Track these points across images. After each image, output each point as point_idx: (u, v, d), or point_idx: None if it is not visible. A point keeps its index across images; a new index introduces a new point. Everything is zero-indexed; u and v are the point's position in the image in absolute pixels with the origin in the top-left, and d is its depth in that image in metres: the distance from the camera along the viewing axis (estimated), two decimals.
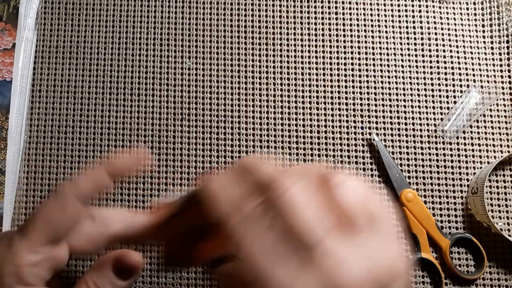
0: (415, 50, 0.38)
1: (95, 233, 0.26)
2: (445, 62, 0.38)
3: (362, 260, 0.20)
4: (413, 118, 0.37)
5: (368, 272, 0.19)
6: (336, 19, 0.38)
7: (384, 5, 0.39)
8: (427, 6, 0.39)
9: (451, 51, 0.38)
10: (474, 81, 0.37)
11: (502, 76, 0.38)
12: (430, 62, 0.38)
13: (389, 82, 0.37)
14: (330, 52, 0.38)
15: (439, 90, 0.37)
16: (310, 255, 0.20)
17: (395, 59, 0.38)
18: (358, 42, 0.38)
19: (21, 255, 0.24)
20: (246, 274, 0.21)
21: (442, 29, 0.38)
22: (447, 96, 0.37)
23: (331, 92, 0.37)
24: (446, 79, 0.37)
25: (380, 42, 0.38)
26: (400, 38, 0.38)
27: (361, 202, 0.21)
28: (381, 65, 0.38)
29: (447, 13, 0.39)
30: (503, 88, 0.37)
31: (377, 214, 0.21)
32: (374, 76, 0.37)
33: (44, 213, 0.24)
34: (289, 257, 0.20)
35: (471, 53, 0.38)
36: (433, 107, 0.37)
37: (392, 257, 0.21)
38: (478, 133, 0.37)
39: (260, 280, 0.20)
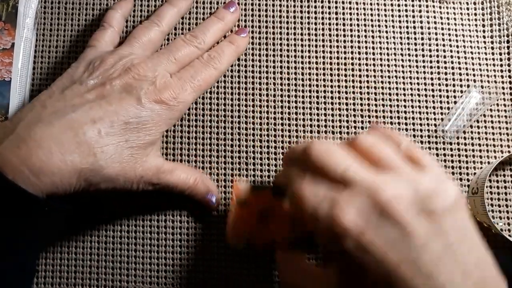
0: (415, 50, 0.38)
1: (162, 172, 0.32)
2: (445, 62, 0.38)
3: (408, 184, 0.23)
4: (413, 118, 0.37)
5: (414, 190, 0.23)
6: (336, 19, 0.38)
7: (384, 5, 0.39)
8: (427, 6, 0.39)
9: (451, 51, 0.38)
10: (474, 81, 0.37)
11: (502, 76, 0.38)
12: (430, 62, 0.38)
13: (389, 82, 0.37)
14: (330, 52, 0.38)
15: (439, 90, 0.37)
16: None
17: (395, 59, 0.38)
18: (358, 42, 0.38)
19: None
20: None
21: (442, 29, 0.38)
22: (447, 96, 0.37)
23: (331, 92, 0.37)
24: (446, 79, 0.37)
25: (380, 42, 0.38)
26: (400, 38, 0.38)
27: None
28: (381, 65, 0.38)
29: (447, 13, 0.39)
30: (503, 88, 0.37)
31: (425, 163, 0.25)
32: (374, 76, 0.37)
33: None
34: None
35: (471, 53, 0.38)
36: (433, 107, 0.37)
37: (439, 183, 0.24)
38: (478, 133, 0.37)
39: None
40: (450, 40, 0.38)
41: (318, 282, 0.26)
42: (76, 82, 0.31)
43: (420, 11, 0.38)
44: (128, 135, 0.30)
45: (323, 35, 0.38)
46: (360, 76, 0.38)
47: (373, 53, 0.38)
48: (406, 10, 0.38)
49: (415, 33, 0.38)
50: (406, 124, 0.37)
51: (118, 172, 0.30)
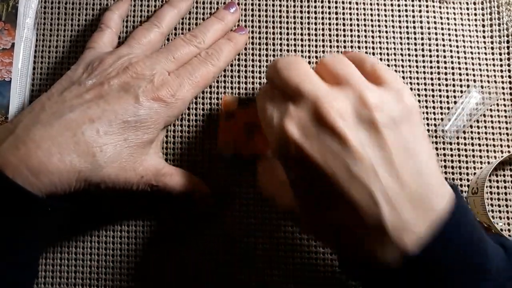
0: (415, 50, 0.38)
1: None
2: (445, 62, 0.38)
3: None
4: None
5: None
6: (336, 19, 0.38)
7: (384, 5, 0.39)
8: (427, 6, 0.39)
9: (451, 51, 0.38)
10: (474, 81, 0.37)
11: (502, 76, 0.38)
12: (430, 62, 0.38)
13: None
14: (330, 52, 0.38)
15: (439, 90, 0.37)
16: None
17: (395, 59, 0.38)
18: (358, 42, 0.38)
19: None
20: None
21: (442, 29, 0.38)
22: (447, 96, 0.37)
23: None
24: (446, 79, 0.37)
25: (380, 42, 0.38)
26: (400, 38, 0.38)
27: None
28: None
29: (447, 13, 0.39)
30: (503, 88, 0.37)
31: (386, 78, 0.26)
32: None
33: None
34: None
35: (471, 53, 0.38)
36: (433, 107, 0.37)
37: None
38: (478, 133, 0.37)
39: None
40: (450, 40, 0.38)
41: (288, 190, 0.27)
42: (75, 83, 0.31)
43: (420, 11, 0.38)
44: (126, 134, 0.30)
45: (323, 35, 0.38)
46: None
47: (373, 53, 0.38)
48: (406, 10, 0.38)
49: (415, 33, 0.38)
50: None
51: (118, 172, 0.30)
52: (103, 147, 0.29)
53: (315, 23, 0.38)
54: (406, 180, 0.23)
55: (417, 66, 0.38)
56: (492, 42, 0.38)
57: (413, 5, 0.39)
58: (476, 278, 0.23)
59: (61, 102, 0.30)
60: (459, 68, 0.38)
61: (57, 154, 0.28)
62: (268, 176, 0.31)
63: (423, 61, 0.38)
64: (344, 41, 0.38)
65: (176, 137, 0.37)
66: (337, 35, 0.38)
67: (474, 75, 0.38)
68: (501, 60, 0.38)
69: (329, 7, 0.39)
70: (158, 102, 0.31)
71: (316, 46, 0.38)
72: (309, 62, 0.38)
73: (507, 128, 0.37)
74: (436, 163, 0.25)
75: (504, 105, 0.37)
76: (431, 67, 0.38)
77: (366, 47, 0.38)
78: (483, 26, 0.38)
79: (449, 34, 0.38)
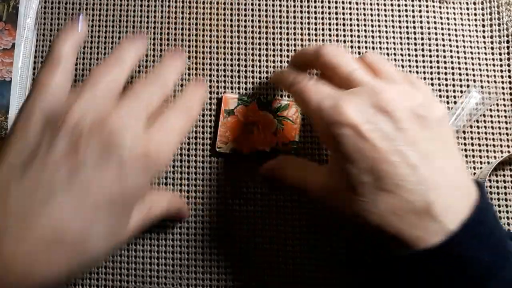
0: (415, 50, 0.38)
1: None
2: (445, 62, 0.38)
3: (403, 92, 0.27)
4: None
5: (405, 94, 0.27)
6: (336, 19, 0.38)
7: (384, 5, 0.39)
8: (427, 6, 0.39)
9: (451, 51, 0.38)
10: (474, 81, 0.37)
11: (502, 76, 0.38)
12: (430, 62, 0.38)
13: None
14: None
15: (439, 90, 0.37)
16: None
17: (395, 59, 0.38)
18: (358, 42, 0.38)
19: None
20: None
21: (442, 29, 0.38)
22: (447, 96, 0.37)
23: None
24: (446, 79, 0.37)
25: (380, 42, 0.38)
26: (400, 38, 0.38)
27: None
28: None
29: (447, 13, 0.39)
30: (503, 88, 0.37)
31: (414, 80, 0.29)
32: None
33: None
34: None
35: (471, 53, 0.38)
36: None
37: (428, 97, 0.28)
38: (478, 133, 0.37)
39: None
40: (450, 40, 0.38)
41: (316, 172, 0.30)
42: (37, 154, 0.24)
43: (420, 11, 0.38)
44: (115, 216, 0.25)
45: (323, 35, 0.38)
46: None
47: None
48: (406, 10, 0.38)
49: (415, 33, 0.38)
50: None
51: (108, 247, 0.26)
52: (90, 238, 0.24)
53: (315, 23, 0.38)
54: (448, 173, 0.26)
55: (417, 66, 0.38)
56: (492, 42, 0.38)
57: (413, 5, 0.39)
58: (499, 262, 0.24)
59: (28, 191, 0.24)
60: (459, 68, 0.38)
61: (39, 266, 0.23)
62: (294, 164, 0.32)
63: (423, 61, 0.38)
64: (344, 41, 0.38)
65: None
66: (337, 35, 0.38)
67: (474, 75, 0.37)
68: (501, 60, 0.38)
69: (329, 7, 0.39)
70: (144, 160, 0.25)
71: None
72: None
73: (507, 128, 0.37)
74: (463, 163, 0.29)
75: (504, 105, 0.37)
76: (431, 67, 0.38)
77: (366, 47, 0.38)
78: (483, 26, 0.38)
79: (449, 34, 0.38)
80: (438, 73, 0.38)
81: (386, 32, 0.38)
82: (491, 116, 0.37)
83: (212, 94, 0.37)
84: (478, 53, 0.38)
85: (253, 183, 0.36)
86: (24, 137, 0.25)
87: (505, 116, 0.37)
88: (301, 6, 0.39)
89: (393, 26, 0.38)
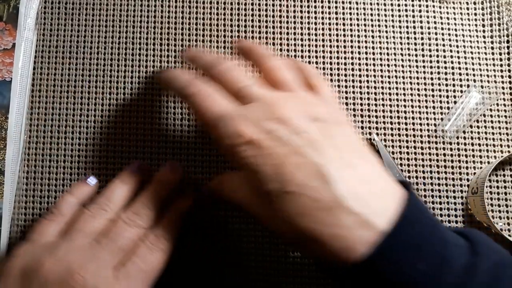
0: (415, 50, 0.38)
1: None
2: (445, 62, 0.38)
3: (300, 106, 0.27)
4: (413, 118, 0.37)
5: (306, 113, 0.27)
6: (336, 19, 0.38)
7: (384, 5, 0.39)
8: (427, 6, 0.39)
9: (451, 51, 0.38)
10: (474, 81, 0.37)
11: (502, 76, 0.38)
12: (430, 62, 0.38)
13: (389, 82, 0.37)
14: (330, 52, 0.38)
15: (439, 90, 0.37)
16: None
17: (395, 59, 0.38)
18: (358, 42, 0.38)
19: None
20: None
21: (442, 29, 0.38)
22: (447, 96, 0.37)
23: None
24: (446, 79, 0.37)
25: (380, 42, 0.38)
26: (400, 38, 0.38)
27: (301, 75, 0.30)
28: (381, 65, 0.38)
29: (447, 13, 0.39)
30: (503, 88, 0.37)
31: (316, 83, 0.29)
32: (374, 76, 0.37)
33: None
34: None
35: (471, 53, 0.38)
36: (433, 107, 0.37)
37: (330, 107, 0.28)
38: (478, 133, 0.37)
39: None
40: (450, 40, 0.38)
41: (240, 186, 0.29)
42: None
43: (420, 11, 0.38)
44: None
45: (323, 35, 0.38)
46: (360, 76, 0.38)
47: (373, 53, 0.38)
48: (406, 10, 0.38)
49: (415, 33, 0.38)
50: (406, 124, 0.37)
51: None
52: None
53: (315, 23, 0.38)
54: (360, 172, 0.25)
55: (417, 66, 0.38)
56: (492, 42, 0.38)
57: (413, 5, 0.39)
58: (436, 269, 0.23)
59: None
60: (459, 68, 0.38)
61: None
62: (228, 181, 0.31)
63: (423, 61, 0.38)
64: (344, 41, 0.38)
65: (176, 137, 0.37)
66: (337, 35, 0.38)
67: (474, 75, 0.37)
68: (501, 60, 0.38)
69: (329, 7, 0.39)
70: None
71: (316, 46, 0.38)
72: (309, 62, 0.38)
73: (507, 128, 0.37)
74: (381, 167, 0.27)
75: (504, 105, 0.37)
76: (431, 67, 0.38)
77: (366, 47, 0.38)
78: (483, 26, 0.38)
79: (449, 34, 0.38)
80: (438, 73, 0.38)
81: (386, 32, 0.38)
82: (491, 116, 0.37)
83: None
84: (478, 53, 0.38)
85: None
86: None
87: (505, 116, 0.37)
88: (301, 6, 0.39)
89: (393, 26, 0.38)
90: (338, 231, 0.23)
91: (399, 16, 0.38)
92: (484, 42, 0.38)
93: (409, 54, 0.38)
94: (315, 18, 0.38)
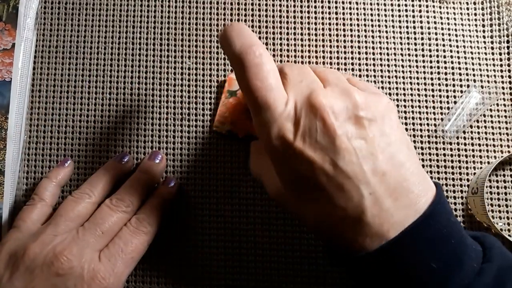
0: (415, 50, 0.38)
1: None
2: (445, 62, 0.38)
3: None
4: (413, 118, 0.37)
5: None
6: (336, 19, 0.38)
7: (384, 5, 0.39)
8: (427, 6, 0.39)
9: (451, 51, 0.38)
10: (474, 81, 0.37)
11: (502, 76, 0.38)
12: (430, 62, 0.38)
13: (389, 82, 0.37)
14: (330, 52, 0.38)
15: (439, 90, 0.37)
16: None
17: (395, 59, 0.38)
18: (358, 42, 0.38)
19: None
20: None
21: (442, 29, 0.38)
22: (447, 96, 0.37)
23: None
24: (446, 79, 0.37)
25: (380, 42, 0.38)
26: (400, 38, 0.38)
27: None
28: (381, 65, 0.38)
29: (447, 13, 0.39)
30: (503, 88, 0.37)
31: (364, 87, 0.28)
32: (374, 76, 0.37)
33: None
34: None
35: (471, 53, 0.38)
36: (433, 107, 0.37)
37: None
38: (478, 133, 0.37)
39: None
40: (450, 40, 0.38)
41: (275, 176, 0.27)
42: (0, 282, 0.29)
43: (420, 11, 0.38)
44: None
45: (323, 35, 0.38)
46: (360, 76, 0.38)
47: (373, 53, 0.38)
48: (406, 10, 0.38)
49: (415, 33, 0.38)
50: (406, 124, 0.37)
51: None
52: None
53: (315, 23, 0.38)
54: (387, 174, 0.24)
55: (417, 66, 0.38)
56: (492, 42, 0.38)
57: (413, 5, 0.39)
58: (448, 270, 0.23)
59: None
60: (459, 68, 0.38)
61: None
62: (259, 159, 0.31)
63: (423, 61, 0.38)
64: (344, 41, 0.38)
65: (176, 137, 0.37)
66: (337, 35, 0.38)
67: (474, 75, 0.37)
68: (501, 60, 0.38)
69: (329, 7, 0.39)
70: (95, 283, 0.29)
71: (316, 46, 0.38)
72: (309, 62, 0.38)
73: (507, 128, 0.37)
74: (416, 157, 0.26)
75: (504, 105, 0.37)
76: (431, 67, 0.38)
77: (366, 47, 0.38)
78: (483, 26, 0.38)
79: (449, 34, 0.38)
80: (438, 73, 0.38)
81: (386, 32, 0.38)
82: (491, 116, 0.37)
83: (212, 94, 0.37)
84: (478, 53, 0.38)
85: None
86: None
87: (505, 116, 0.37)
88: (301, 6, 0.39)
89: (393, 26, 0.38)
90: (360, 240, 0.24)
91: (399, 16, 0.38)
92: (484, 42, 0.38)
93: (409, 54, 0.38)
94: (315, 18, 0.38)
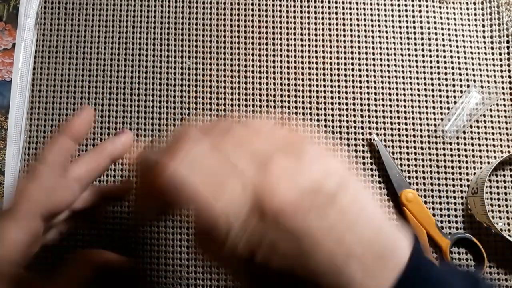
0: (415, 50, 0.38)
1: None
2: (445, 62, 0.38)
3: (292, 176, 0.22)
4: (413, 118, 0.37)
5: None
6: (336, 19, 0.38)
7: (384, 5, 0.39)
8: (427, 6, 0.39)
9: (451, 51, 0.38)
10: (474, 81, 0.37)
11: (502, 76, 0.38)
12: (430, 62, 0.38)
13: (389, 82, 0.37)
14: (330, 52, 0.38)
15: (439, 90, 0.37)
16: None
17: (395, 59, 0.38)
18: (358, 42, 0.38)
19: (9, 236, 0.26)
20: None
21: (442, 29, 0.38)
22: (447, 96, 0.37)
23: (331, 92, 0.37)
24: (446, 79, 0.37)
25: (380, 42, 0.38)
26: (400, 38, 0.38)
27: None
28: (381, 65, 0.38)
29: (447, 13, 0.39)
30: (503, 88, 0.37)
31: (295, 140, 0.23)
32: (374, 76, 0.37)
33: (29, 192, 0.27)
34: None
35: (471, 53, 0.38)
36: (433, 107, 0.37)
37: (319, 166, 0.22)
38: (478, 133, 0.37)
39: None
40: (450, 40, 0.38)
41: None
42: None
43: (420, 11, 0.38)
44: None
45: (323, 35, 0.38)
46: (360, 76, 0.38)
47: (373, 53, 0.38)
48: (406, 10, 0.38)
49: (415, 33, 0.38)
50: (406, 124, 0.37)
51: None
52: None
53: (315, 23, 0.38)
54: (369, 244, 0.22)
55: (417, 66, 0.38)
56: (492, 42, 0.38)
57: (413, 5, 0.39)
58: None
59: None
60: (459, 68, 0.38)
61: None
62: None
63: (423, 61, 0.38)
64: (344, 41, 0.38)
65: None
66: (337, 35, 0.38)
67: (474, 75, 0.37)
68: (501, 60, 0.38)
69: (329, 7, 0.39)
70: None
71: (316, 46, 0.38)
72: (309, 62, 0.38)
73: (507, 128, 0.37)
74: (384, 214, 0.23)
75: (504, 105, 0.37)
76: (431, 67, 0.38)
77: (366, 47, 0.38)
78: (483, 26, 0.38)
79: (449, 34, 0.38)
80: (438, 73, 0.38)
81: (386, 32, 0.38)
82: (491, 116, 0.37)
83: (212, 94, 0.37)
84: (478, 53, 0.38)
85: None
86: None
87: (505, 116, 0.37)
88: (301, 6, 0.39)
89: (393, 26, 0.38)
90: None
91: (399, 16, 0.38)
92: (484, 42, 0.38)
93: (409, 54, 0.38)
94: (315, 18, 0.38)
